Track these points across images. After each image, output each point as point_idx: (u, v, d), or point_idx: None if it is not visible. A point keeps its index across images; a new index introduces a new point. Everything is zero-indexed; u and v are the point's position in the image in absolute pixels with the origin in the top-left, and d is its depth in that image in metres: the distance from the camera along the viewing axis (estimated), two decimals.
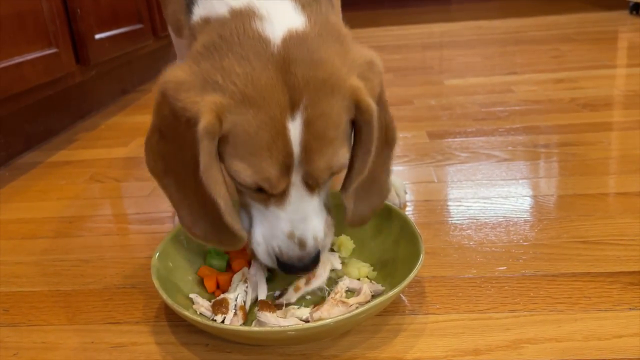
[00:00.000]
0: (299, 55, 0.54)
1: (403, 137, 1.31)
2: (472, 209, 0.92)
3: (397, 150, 1.21)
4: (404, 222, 0.73)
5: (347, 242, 0.77)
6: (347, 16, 0.75)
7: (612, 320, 0.62)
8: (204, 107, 0.54)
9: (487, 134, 1.28)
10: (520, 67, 1.97)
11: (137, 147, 1.39)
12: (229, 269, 0.73)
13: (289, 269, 0.62)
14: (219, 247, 0.64)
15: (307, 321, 0.62)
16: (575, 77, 1.77)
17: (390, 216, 0.76)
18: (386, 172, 0.69)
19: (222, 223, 0.60)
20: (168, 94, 0.56)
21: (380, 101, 0.63)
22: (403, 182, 0.99)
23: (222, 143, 0.57)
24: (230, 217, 0.59)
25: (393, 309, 0.67)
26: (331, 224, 0.66)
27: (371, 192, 0.67)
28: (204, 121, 0.53)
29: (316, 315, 0.62)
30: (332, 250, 0.78)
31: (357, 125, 0.60)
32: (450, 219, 0.89)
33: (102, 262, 0.84)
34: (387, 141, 0.67)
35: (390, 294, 0.59)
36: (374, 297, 0.66)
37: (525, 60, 2.09)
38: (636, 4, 2.89)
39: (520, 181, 1.02)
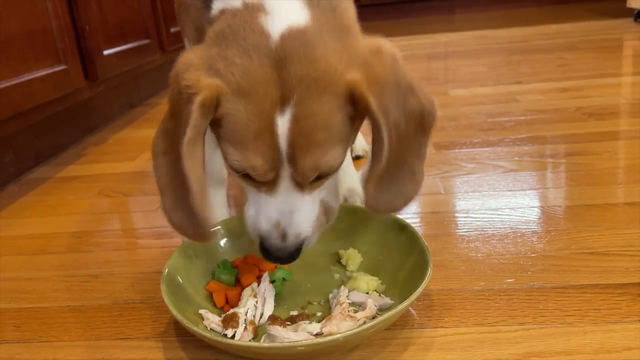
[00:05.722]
0: (295, 52, 0.56)
1: None
2: (479, 221, 0.92)
3: None
4: (412, 235, 0.73)
5: (355, 256, 0.77)
6: None
7: (622, 332, 0.62)
8: (205, 86, 0.57)
9: (493, 144, 1.28)
10: (525, 77, 1.97)
11: (144, 161, 1.40)
12: (238, 284, 0.74)
13: (267, 255, 0.64)
14: (192, 238, 0.64)
15: (317, 335, 0.62)
16: (580, 85, 1.77)
17: (397, 229, 0.76)
18: (419, 157, 0.66)
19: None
20: (178, 73, 0.60)
21: (400, 85, 0.62)
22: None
23: (216, 126, 0.59)
24: (200, 198, 0.59)
25: (402, 322, 0.67)
26: (323, 224, 0.66)
27: (401, 178, 0.65)
28: (202, 96, 0.56)
29: (326, 329, 0.62)
30: (339, 262, 0.78)
31: (368, 118, 0.60)
32: (457, 231, 0.89)
33: (111, 277, 0.85)
34: (422, 126, 0.66)
35: (400, 307, 0.59)
36: (382, 310, 0.66)
37: (530, 70, 2.10)
38: None
39: (527, 192, 1.02)
